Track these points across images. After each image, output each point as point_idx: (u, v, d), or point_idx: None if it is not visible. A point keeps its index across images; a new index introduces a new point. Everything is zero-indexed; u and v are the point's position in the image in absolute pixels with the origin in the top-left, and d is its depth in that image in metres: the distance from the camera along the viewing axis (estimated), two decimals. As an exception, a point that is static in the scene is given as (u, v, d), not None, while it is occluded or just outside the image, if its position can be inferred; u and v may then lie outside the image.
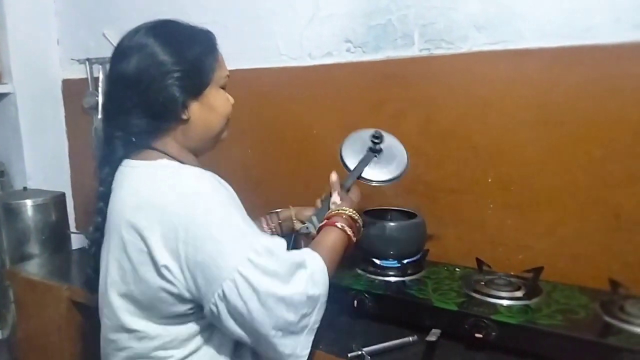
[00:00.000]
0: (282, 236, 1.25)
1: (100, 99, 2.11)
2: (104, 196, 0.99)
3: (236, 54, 1.73)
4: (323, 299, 0.95)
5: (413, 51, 1.44)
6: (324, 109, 1.62)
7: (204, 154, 1.06)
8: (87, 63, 2.12)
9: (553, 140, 1.28)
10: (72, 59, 2.17)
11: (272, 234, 1.34)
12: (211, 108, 1.00)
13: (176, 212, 0.86)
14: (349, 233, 1.07)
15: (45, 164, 2.25)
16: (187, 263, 0.86)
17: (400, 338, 1.10)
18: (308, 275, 0.92)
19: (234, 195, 0.94)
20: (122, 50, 0.96)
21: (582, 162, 1.25)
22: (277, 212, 1.35)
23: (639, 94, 1.17)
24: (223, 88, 1.03)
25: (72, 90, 2.25)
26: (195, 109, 0.97)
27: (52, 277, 1.66)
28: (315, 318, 0.94)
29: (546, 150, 1.29)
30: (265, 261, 0.87)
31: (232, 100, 1.06)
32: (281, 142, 1.72)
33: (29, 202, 1.87)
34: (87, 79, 2.14)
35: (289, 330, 0.90)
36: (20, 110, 2.15)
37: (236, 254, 0.86)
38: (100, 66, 2.09)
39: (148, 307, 0.92)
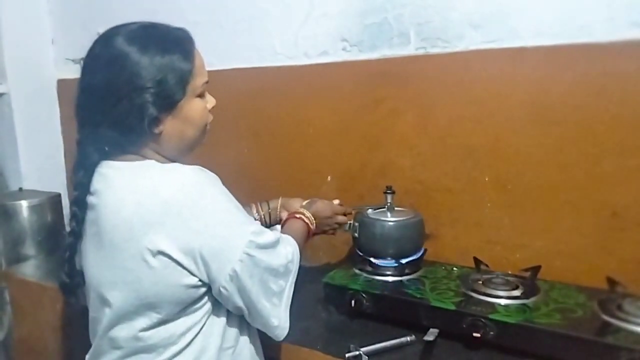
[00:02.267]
0: (268, 225, 1.35)
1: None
2: (79, 201, 0.95)
3: (232, 53, 1.74)
4: (294, 274, 1.03)
5: (409, 50, 1.44)
6: (320, 108, 1.62)
7: (182, 159, 1.04)
8: (82, 63, 2.10)
9: (549, 139, 1.28)
10: (66, 59, 2.16)
11: (261, 222, 1.37)
12: (185, 119, 0.96)
13: (184, 204, 0.87)
14: (309, 225, 1.22)
15: (41, 164, 2.23)
16: (202, 252, 0.88)
17: (398, 338, 1.10)
18: (287, 249, 1.01)
19: (222, 185, 0.97)
20: (93, 58, 0.94)
21: (579, 161, 1.25)
22: (267, 202, 1.40)
23: (634, 92, 1.17)
24: (201, 95, 0.99)
25: (67, 90, 2.21)
26: (168, 123, 0.94)
27: (48, 279, 1.65)
28: (288, 292, 1.00)
29: (543, 148, 1.29)
30: (262, 239, 0.93)
31: (212, 103, 1.03)
32: (277, 141, 1.72)
33: (24, 203, 1.85)
34: (82, 78, 2.13)
35: (273, 301, 0.97)
36: (15, 110, 2.13)
37: (242, 236, 0.91)
38: (95, 66, 2.08)
39: (158, 306, 0.92)
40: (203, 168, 0.94)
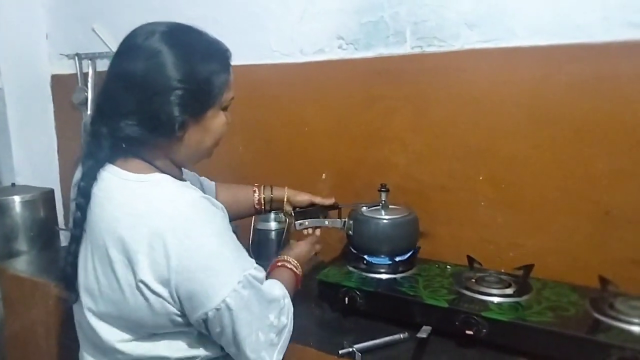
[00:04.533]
0: (267, 211, 1.37)
1: (89, 95, 2.09)
2: (85, 191, 0.92)
3: (227, 50, 1.73)
4: (289, 328, 0.99)
5: (405, 49, 1.44)
6: (316, 105, 1.62)
7: (187, 168, 1.05)
8: (76, 58, 2.10)
9: (544, 138, 1.28)
10: (61, 54, 2.15)
11: (258, 208, 1.37)
12: (206, 130, 0.95)
13: (170, 239, 0.84)
14: (296, 272, 1.17)
15: (34, 160, 2.22)
16: (177, 290, 0.86)
17: (391, 335, 1.10)
18: (279, 309, 0.97)
19: (225, 218, 0.93)
20: (132, 48, 0.91)
21: (573, 160, 1.26)
22: (270, 187, 1.37)
23: (628, 92, 1.18)
24: (225, 109, 0.99)
25: (61, 86, 2.23)
26: (191, 129, 0.93)
27: (41, 274, 1.65)
28: (282, 345, 0.96)
29: (537, 148, 1.29)
30: (248, 294, 0.89)
31: (229, 120, 1.01)
32: (273, 139, 1.72)
33: (17, 199, 1.85)
34: (76, 74, 2.12)
35: (257, 350, 0.92)
36: (8, 105, 2.12)
37: (225, 285, 0.87)
38: (90, 61, 2.08)
39: (139, 326, 0.91)
40: (207, 200, 0.91)
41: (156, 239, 0.84)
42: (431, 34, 1.40)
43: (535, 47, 1.27)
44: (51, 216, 1.95)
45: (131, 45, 0.91)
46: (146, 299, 0.86)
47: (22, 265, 1.76)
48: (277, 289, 1.00)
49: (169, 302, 0.87)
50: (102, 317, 0.93)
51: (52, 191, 1.97)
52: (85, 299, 0.95)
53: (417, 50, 1.43)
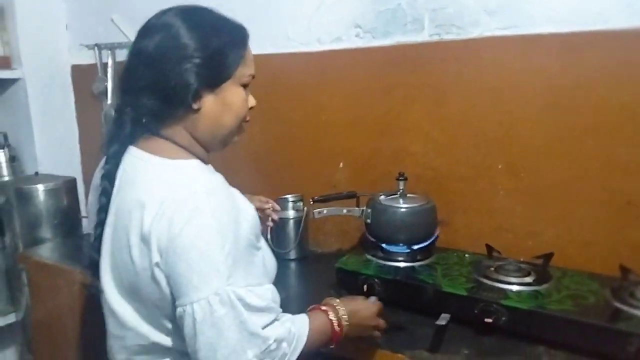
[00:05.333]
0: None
1: (109, 85, 2.11)
2: (110, 175, 0.93)
3: (245, 39, 1.73)
4: None
5: (423, 36, 1.44)
6: (333, 94, 1.62)
7: (214, 151, 1.01)
8: (96, 48, 2.12)
9: (563, 127, 1.27)
10: (81, 45, 2.17)
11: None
12: (225, 104, 0.95)
13: (171, 217, 0.82)
14: (334, 324, 0.98)
15: (56, 149, 2.26)
16: (164, 270, 0.84)
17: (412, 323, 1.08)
18: (263, 349, 0.83)
19: (247, 222, 0.88)
20: (147, 27, 0.93)
21: (593, 148, 1.24)
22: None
23: (651, 80, 1.16)
24: (245, 86, 0.98)
25: (82, 76, 2.25)
26: (208, 101, 0.93)
27: (65, 261, 1.68)
28: None
29: (557, 136, 1.28)
30: (223, 312, 0.80)
31: (253, 102, 1.01)
32: (290, 128, 1.73)
33: (40, 187, 1.88)
34: (96, 64, 2.14)
35: None
36: (30, 95, 2.16)
37: (199, 289, 0.80)
38: (109, 51, 2.10)
39: (150, 305, 0.90)
40: (228, 192, 0.89)
41: (161, 214, 0.83)
42: (450, 21, 1.39)
43: (555, 34, 1.25)
44: (74, 204, 1.99)
45: (147, 24, 0.94)
46: (158, 282, 0.85)
47: (46, 252, 1.79)
48: (277, 328, 0.87)
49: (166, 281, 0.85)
50: (125, 299, 0.93)
51: (74, 180, 2.00)
52: (107, 282, 0.95)
53: (435, 38, 1.42)
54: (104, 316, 1.03)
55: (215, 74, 0.93)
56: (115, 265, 0.92)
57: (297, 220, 1.57)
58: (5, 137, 2.18)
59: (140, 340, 0.93)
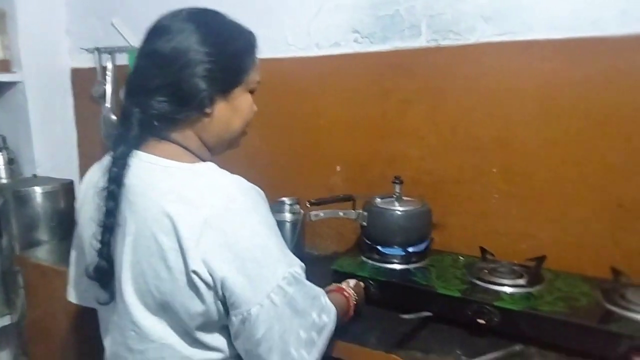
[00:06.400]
0: None
1: (108, 88, 2.13)
2: (118, 178, 0.88)
3: (244, 43, 1.75)
4: (330, 328, 0.96)
5: (420, 42, 1.45)
6: (331, 98, 1.63)
7: (218, 154, 1.02)
8: (96, 52, 2.14)
9: (558, 131, 1.29)
10: (81, 49, 2.18)
11: None
12: (235, 109, 0.96)
13: (222, 229, 0.84)
14: (351, 302, 1.13)
15: (54, 152, 2.27)
16: (224, 282, 0.84)
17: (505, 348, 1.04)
18: (321, 307, 0.94)
19: (269, 209, 0.92)
20: (161, 28, 0.92)
21: (586, 153, 1.26)
22: None
23: (643, 86, 1.18)
24: (251, 92, 1.00)
25: (81, 80, 2.27)
26: (220, 106, 0.94)
27: (61, 264, 1.67)
28: (321, 344, 0.93)
29: (551, 141, 1.30)
30: (293, 290, 0.88)
31: (255, 109, 1.03)
32: (288, 132, 1.74)
33: (38, 190, 1.88)
34: (95, 68, 2.16)
35: (297, 347, 0.90)
36: (29, 98, 2.16)
37: (272, 279, 0.86)
38: (109, 55, 2.11)
39: (183, 317, 0.89)
40: (254, 188, 0.91)
41: (208, 228, 0.83)
42: (447, 27, 1.41)
43: (551, 40, 1.27)
44: (71, 207, 1.98)
45: (159, 25, 0.94)
46: (197, 288, 0.85)
47: (43, 254, 1.79)
48: (318, 288, 0.96)
49: (217, 294, 0.86)
50: (150, 310, 0.90)
51: (71, 182, 2.01)
52: (129, 294, 0.90)
53: (432, 44, 1.44)
54: (106, 330, 1.01)
55: (228, 79, 0.94)
56: (140, 274, 0.89)
57: (294, 223, 1.57)
58: (4, 139, 2.18)
59: (163, 353, 0.92)
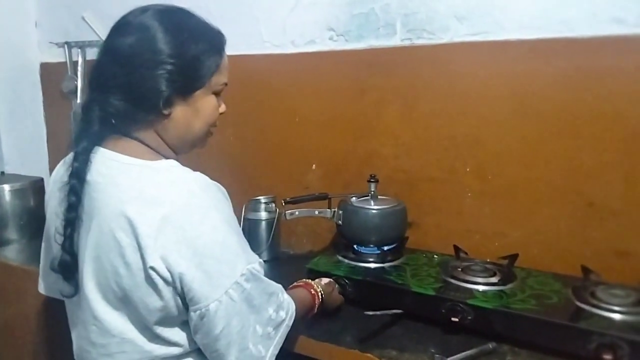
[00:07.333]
0: None
1: (79, 84, 2.08)
2: (80, 173, 0.89)
3: (219, 40, 1.73)
4: (287, 324, 0.96)
5: (395, 41, 1.46)
6: (307, 96, 1.63)
7: (182, 153, 1.01)
8: (66, 47, 2.09)
9: (530, 131, 1.31)
10: (50, 42, 2.13)
11: None
12: (196, 112, 0.95)
13: (181, 225, 0.84)
14: (316, 299, 1.13)
15: (23, 148, 2.21)
16: (182, 277, 0.84)
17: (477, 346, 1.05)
18: (278, 303, 0.94)
19: (231, 206, 0.93)
20: (122, 25, 0.91)
21: (558, 153, 1.28)
22: None
23: (613, 87, 1.20)
24: (217, 94, 0.98)
25: (51, 74, 2.21)
26: (179, 108, 0.92)
27: (31, 263, 1.64)
28: (278, 339, 0.94)
29: (523, 140, 1.32)
30: (250, 286, 0.89)
31: (223, 108, 1.02)
32: (263, 129, 1.73)
33: (6, 187, 1.84)
34: (66, 62, 2.11)
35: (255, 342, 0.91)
36: (-4, 94, 2.11)
37: (230, 275, 0.87)
38: (80, 50, 2.07)
39: (142, 312, 0.89)
40: (215, 185, 0.91)
41: (167, 224, 0.83)
42: (421, 26, 1.41)
43: (523, 40, 1.29)
44: (40, 205, 1.91)
45: (123, 22, 0.92)
46: (155, 284, 0.85)
47: (12, 253, 1.75)
48: (275, 285, 0.97)
49: (175, 289, 0.86)
50: (111, 305, 0.91)
51: (41, 180, 1.96)
52: (91, 289, 0.91)
53: (407, 43, 1.44)
54: (73, 324, 1.01)
55: (188, 82, 0.92)
56: (101, 269, 0.89)
57: (270, 222, 1.57)
58: (-29, 135, 2.12)
59: (124, 347, 0.92)
